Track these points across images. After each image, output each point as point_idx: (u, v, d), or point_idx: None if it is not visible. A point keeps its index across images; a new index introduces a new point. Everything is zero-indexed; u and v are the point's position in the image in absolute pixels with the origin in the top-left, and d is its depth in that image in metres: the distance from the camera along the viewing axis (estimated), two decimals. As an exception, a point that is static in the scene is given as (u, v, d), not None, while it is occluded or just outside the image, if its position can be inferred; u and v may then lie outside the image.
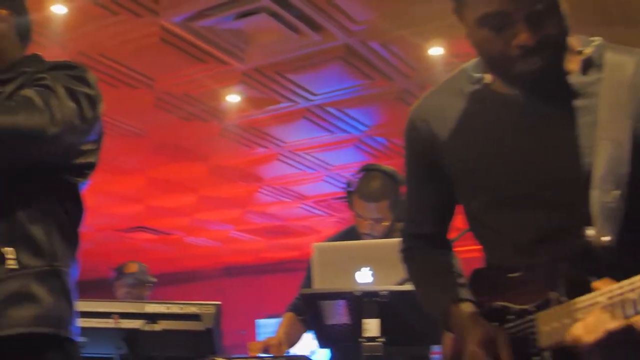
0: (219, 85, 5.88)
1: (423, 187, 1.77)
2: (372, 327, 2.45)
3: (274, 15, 4.80)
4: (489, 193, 1.59)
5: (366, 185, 3.14)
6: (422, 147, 1.75)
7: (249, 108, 6.32)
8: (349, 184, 3.21)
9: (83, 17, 4.85)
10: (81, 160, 1.84)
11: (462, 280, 1.69)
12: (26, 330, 1.65)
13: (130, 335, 2.92)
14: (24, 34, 2.00)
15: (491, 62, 1.54)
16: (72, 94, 1.77)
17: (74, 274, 1.81)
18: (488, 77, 1.62)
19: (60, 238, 1.78)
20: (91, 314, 2.89)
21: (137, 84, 5.84)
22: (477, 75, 1.64)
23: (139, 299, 4.86)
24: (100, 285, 5.00)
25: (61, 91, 1.74)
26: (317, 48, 5.26)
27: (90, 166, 1.88)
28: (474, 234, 1.70)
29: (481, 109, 1.61)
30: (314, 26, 4.96)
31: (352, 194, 3.18)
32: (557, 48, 1.49)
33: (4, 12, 1.89)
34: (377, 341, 2.44)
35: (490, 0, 1.44)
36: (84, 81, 1.83)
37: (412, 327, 2.47)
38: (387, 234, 3.09)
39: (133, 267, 4.96)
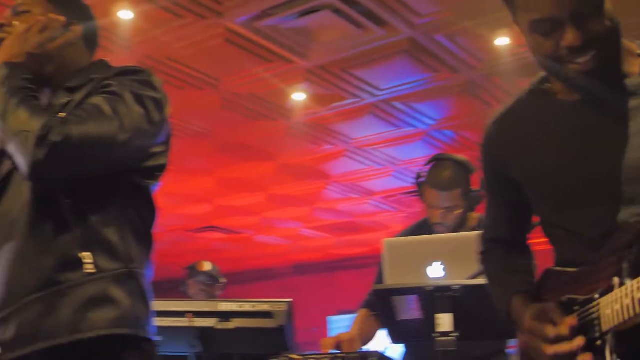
0: (284, 84, 5.90)
1: (498, 196, 1.88)
2: (445, 321, 2.43)
3: (338, 12, 4.79)
4: (557, 196, 1.67)
5: (437, 175, 3.14)
6: (494, 159, 1.83)
7: (314, 105, 6.33)
8: (419, 176, 3.21)
9: (149, 21, 4.93)
10: (151, 163, 1.86)
11: (529, 279, 1.80)
12: (106, 332, 1.67)
13: (204, 334, 2.95)
14: (91, 41, 2.03)
15: (545, 66, 1.61)
16: (139, 99, 1.78)
17: (149, 275, 1.83)
18: (552, 86, 1.68)
19: (135, 240, 1.80)
20: (166, 314, 2.93)
21: (204, 85, 5.90)
22: (542, 85, 1.71)
23: (211, 297, 4.92)
24: (173, 285, 5.07)
25: (128, 97, 1.76)
26: (381, 43, 5.23)
27: (161, 168, 1.90)
28: (546, 234, 1.76)
29: (545, 118, 1.68)
30: (378, 21, 4.93)
31: (423, 185, 3.17)
32: (606, 47, 1.53)
33: (62, 19, 1.93)
34: (451, 336, 2.42)
35: (536, 7, 1.52)
36: (150, 85, 1.85)
37: (486, 321, 2.43)
38: (459, 225, 3.09)
39: (206, 266, 5.02)
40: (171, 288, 5.02)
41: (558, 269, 1.72)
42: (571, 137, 1.62)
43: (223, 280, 5.07)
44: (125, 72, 1.85)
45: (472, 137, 7.01)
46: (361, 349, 2.95)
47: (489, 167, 1.87)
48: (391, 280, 2.72)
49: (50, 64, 1.89)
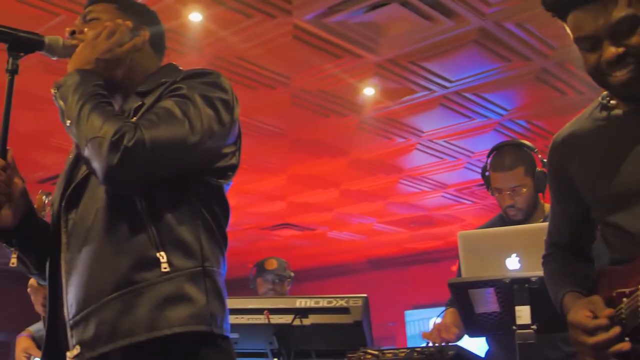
0: (354, 79, 5.90)
1: (561, 204, 2.02)
2: (523, 314, 2.40)
3: (406, 4, 4.77)
4: (611, 197, 1.80)
5: (498, 158, 3.20)
6: (558, 170, 1.95)
7: (385, 99, 6.31)
8: (484, 169, 3.23)
9: (218, 22, 4.98)
10: (223, 163, 1.88)
11: (584, 281, 1.92)
12: (183, 329, 1.70)
13: (281, 331, 2.97)
14: (158, 46, 2.07)
15: (593, 78, 1.74)
16: (209, 101, 1.81)
17: (223, 272, 1.86)
18: (613, 100, 1.82)
19: (208, 238, 1.82)
20: (243, 311, 2.96)
21: (274, 84, 5.94)
22: (605, 99, 1.84)
23: (281, 294, 4.94)
24: (254, 282, 5.12)
25: (198, 99, 1.79)
26: (450, 34, 5.18)
27: (233, 168, 1.92)
28: (601, 235, 1.91)
29: (605, 128, 1.82)
30: (447, 12, 4.89)
31: (489, 175, 3.22)
32: None
33: (129, 24, 1.97)
34: (530, 329, 2.39)
35: (579, 27, 1.70)
36: (219, 86, 1.87)
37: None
38: (531, 206, 3.12)
39: (273, 264, 5.03)
40: (247, 286, 5.07)
41: (610, 267, 1.83)
42: (625, 144, 1.76)
43: (291, 274, 5.07)
44: (194, 75, 1.87)
45: (545, 126, 6.90)
46: (459, 335, 2.92)
47: (554, 176, 1.99)
48: (467, 273, 2.70)
49: (120, 68, 1.93)
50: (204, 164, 1.83)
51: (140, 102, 1.85)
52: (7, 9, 4.63)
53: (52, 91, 1.82)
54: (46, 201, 2.03)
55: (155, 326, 1.68)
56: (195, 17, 4.88)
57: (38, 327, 3.77)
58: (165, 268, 1.71)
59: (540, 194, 3.17)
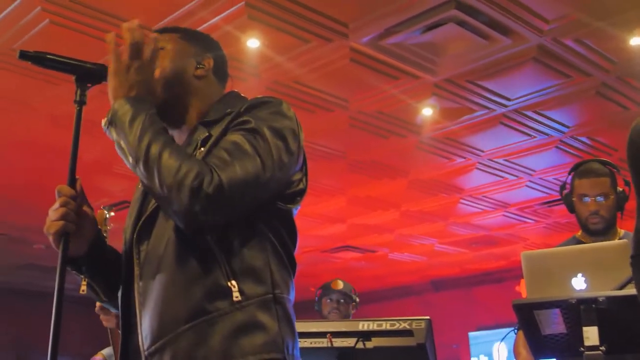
0: (412, 100, 5.89)
1: None
2: (591, 335, 2.35)
3: (462, 24, 4.75)
4: None
5: (585, 167, 3.30)
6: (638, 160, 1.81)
7: (443, 119, 6.28)
8: (563, 186, 3.30)
9: (276, 48, 5.03)
10: (292, 189, 1.88)
11: None
12: (256, 358, 1.70)
13: (344, 354, 2.96)
14: (222, 73, 2.10)
15: None
16: (276, 132, 1.81)
17: (292, 298, 1.87)
18: None
19: (278, 265, 1.82)
20: (306, 335, 2.96)
21: (332, 107, 5.97)
22: None
23: (345, 316, 4.93)
24: (311, 305, 5.12)
25: (266, 132, 1.79)
26: (508, 52, 5.14)
27: (301, 193, 1.92)
28: None
29: None
30: (504, 30, 4.85)
31: (572, 180, 3.31)
32: None
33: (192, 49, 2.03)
34: (598, 350, 2.34)
35: None
36: (284, 115, 1.87)
37: (635, 333, 2.34)
38: (611, 221, 3.18)
39: (339, 284, 5.04)
40: (309, 309, 5.07)
41: None
42: None
43: (357, 298, 5.07)
44: (258, 105, 1.87)
45: (607, 142, 6.78)
46: None
47: (635, 168, 1.83)
48: (532, 293, 2.65)
49: (185, 93, 1.97)
50: (275, 194, 1.84)
51: (207, 134, 1.86)
52: (69, 40, 4.76)
53: (103, 126, 1.81)
54: (107, 217, 2.06)
55: (229, 355, 1.69)
56: (253, 43, 4.94)
57: (109, 352, 3.82)
58: (237, 297, 1.71)
59: (618, 216, 3.24)
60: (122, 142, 1.76)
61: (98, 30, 4.72)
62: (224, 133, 1.82)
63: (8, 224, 8.93)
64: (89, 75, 1.90)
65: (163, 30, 2.08)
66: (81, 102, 1.87)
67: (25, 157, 6.80)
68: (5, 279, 11.74)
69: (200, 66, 2.02)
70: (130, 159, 1.75)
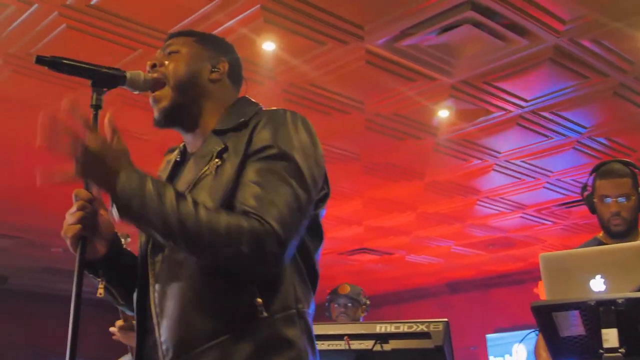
0: (428, 102, 5.88)
1: None
2: (610, 337, 2.34)
3: (478, 25, 4.74)
4: None
5: (606, 168, 3.30)
6: None
7: (460, 121, 6.27)
8: (584, 187, 3.30)
9: (291, 50, 5.04)
10: (318, 195, 1.89)
11: None
12: None
13: (361, 356, 2.95)
14: (236, 78, 2.09)
15: None
16: (305, 152, 1.81)
17: (312, 312, 1.86)
18: None
19: (299, 280, 1.82)
20: (323, 337, 2.96)
21: (348, 109, 5.96)
22: None
23: (354, 320, 4.93)
24: (328, 308, 5.12)
25: (297, 156, 1.79)
26: (525, 53, 5.12)
27: (326, 197, 1.94)
28: None
29: None
30: (520, 31, 4.83)
31: (594, 181, 3.30)
32: None
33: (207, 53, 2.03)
34: (618, 352, 2.32)
35: None
36: (306, 127, 1.87)
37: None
38: (633, 222, 3.17)
39: (346, 288, 5.04)
40: (322, 312, 5.07)
41: None
42: None
43: (366, 301, 5.06)
44: (276, 123, 1.85)
45: (626, 143, 6.74)
46: None
47: None
48: (550, 295, 2.64)
49: (200, 97, 1.97)
50: None
51: (223, 145, 1.85)
52: (86, 45, 4.78)
53: (116, 216, 1.75)
54: (124, 243, 2.05)
55: None
56: (268, 46, 4.95)
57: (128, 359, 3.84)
58: (262, 313, 1.71)
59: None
60: (151, 228, 1.74)
61: (115, 34, 4.75)
62: (244, 158, 1.80)
63: (26, 227, 8.98)
64: (104, 79, 1.90)
65: (178, 34, 2.08)
66: (97, 107, 1.88)
67: (42, 161, 6.83)
68: (23, 282, 11.81)
69: (215, 70, 2.02)
70: (168, 241, 1.73)
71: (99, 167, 1.71)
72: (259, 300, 1.71)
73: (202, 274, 1.75)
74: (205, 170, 1.84)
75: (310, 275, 1.87)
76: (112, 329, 3.46)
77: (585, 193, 3.33)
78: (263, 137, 1.81)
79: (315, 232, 1.89)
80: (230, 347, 1.69)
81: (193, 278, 1.76)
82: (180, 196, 1.69)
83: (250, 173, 1.77)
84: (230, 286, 1.73)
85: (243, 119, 1.89)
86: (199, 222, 1.65)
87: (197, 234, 1.66)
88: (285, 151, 1.78)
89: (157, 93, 1.97)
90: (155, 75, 1.97)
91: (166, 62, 1.99)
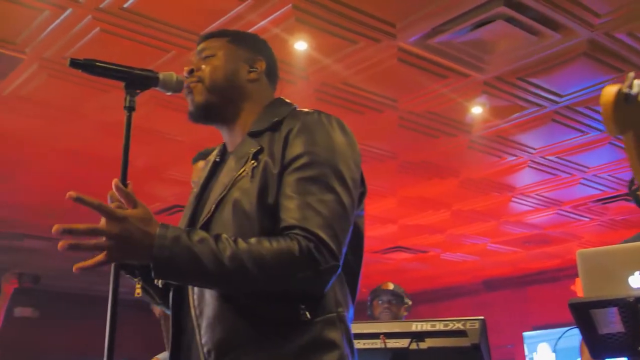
0: (461, 99, 5.85)
1: None
2: (650, 334, 2.31)
3: (511, 20, 4.70)
4: None
5: None
6: None
7: (493, 118, 6.22)
8: (632, 181, 3.25)
9: (323, 49, 5.04)
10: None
11: None
12: None
13: (397, 355, 2.95)
14: (273, 76, 2.10)
15: None
16: (344, 157, 1.82)
17: (352, 317, 1.86)
18: None
19: (339, 284, 1.82)
20: (359, 336, 2.95)
21: (381, 107, 5.95)
22: None
23: (396, 317, 4.92)
24: (363, 307, 5.11)
25: (336, 160, 1.80)
26: (559, 48, 5.07)
27: (362, 196, 1.95)
28: None
29: None
30: (554, 26, 4.79)
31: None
32: None
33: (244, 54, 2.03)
34: (658, 350, 2.29)
35: None
36: (341, 128, 1.88)
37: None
38: None
39: (389, 285, 5.04)
40: (361, 310, 5.06)
41: None
42: None
43: (408, 301, 5.05)
44: (311, 127, 1.85)
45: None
46: None
47: None
48: (588, 292, 2.61)
49: (239, 97, 1.98)
50: None
51: (259, 147, 1.86)
52: (119, 47, 4.83)
53: (159, 284, 1.81)
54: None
55: None
56: (300, 45, 4.96)
57: (165, 357, 3.87)
58: (305, 316, 1.71)
59: None
60: (206, 284, 1.74)
61: (148, 37, 4.78)
62: (282, 167, 1.81)
63: (63, 229, 9.07)
64: (137, 81, 1.91)
65: (210, 36, 2.08)
66: (130, 108, 1.89)
67: (75, 165, 6.91)
68: (59, 283, 11.93)
69: (253, 69, 2.02)
70: (214, 286, 1.74)
71: (128, 246, 1.64)
72: (298, 303, 1.71)
73: None
74: (242, 172, 1.84)
75: (350, 280, 1.88)
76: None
77: (633, 187, 3.26)
78: (299, 144, 1.81)
79: (355, 235, 1.89)
80: (273, 349, 1.69)
81: None
82: (218, 239, 1.67)
83: (291, 185, 1.77)
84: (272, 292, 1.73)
85: (277, 119, 1.90)
86: (247, 266, 1.65)
87: (251, 277, 1.66)
88: (323, 157, 1.79)
89: (192, 85, 1.99)
90: (193, 79, 1.99)
91: (203, 67, 2.00)
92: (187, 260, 1.63)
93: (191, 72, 2.00)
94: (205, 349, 1.75)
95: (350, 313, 1.85)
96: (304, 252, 1.65)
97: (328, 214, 1.71)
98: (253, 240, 1.67)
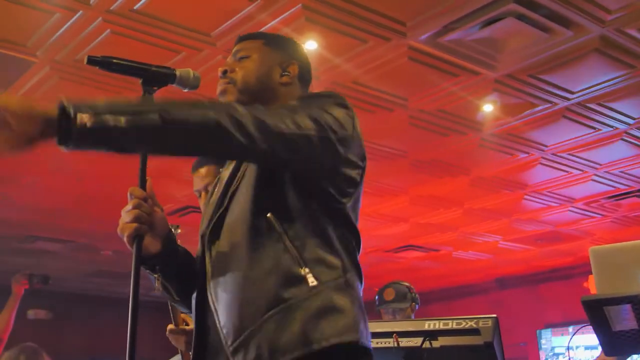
0: (472, 97, 5.84)
1: None
2: (664, 331, 2.30)
3: (521, 17, 4.69)
4: None
5: None
6: None
7: (505, 115, 6.21)
8: None
9: (333, 49, 5.04)
10: (347, 174, 1.91)
11: None
12: (338, 340, 1.74)
13: (410, 353, 2.95)
14: (305, 79, 2.14)
15: None
16: (325, 108, 1.86)
17: (361, 287, 1.90)
18: None
19: (345, 252, 1.87)
20: (372, 335, 2.95)
21: (392, 106, 5.95)
22: None
23: (407, 317, 4.89)
24: (372, 306, 5.10)
25: (314, 105, 1.86)
26: (570, 44, 5.05)
27: (355, 184, 1.94)
28: None
29: None
30: (565, 22, 4.77)
31: None
32: None
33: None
34: (672, 346, 2.29)
35: None
36: (338, 100, 1.93)
37: None
38: None
39: (390, 294, 4.98)
40: (373, 310, 5.06)
41: None
42: None
43: (414, 296, 4.99)
44: (312, 95, 1.97)
45: None
46: None
47: None
48: (601, 289, 2.61)
49: (272, 99, 2.01)
50: (324, 164, 1.87)
51: None
52: (130, 49, 4.84)
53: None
54: (175, 234, 2.09)
55: (311, 339, 1.72)
56: (310, 45, 4.96)
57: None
58: (312, 282, 1.75)
59: None
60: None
61: (158, 38, 4.80)
62: None
63: (76, 231, 9.12)
64: (155, 78, 1.93)
65: (246, 37, 2.12)
66: None
67: (90, 165, 6.93)
68: (75, 285, 11.99)
69: (286, 73, 2.05)
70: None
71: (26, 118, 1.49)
72: (307, 269, 1.76)
73: (251, 255, 1.80)
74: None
75: (355, 252, 1.92)
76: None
77: None
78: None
79: (349, 225, 1.93)
80: (285, 317, 1.73)
81: (243, 261, 1.81)
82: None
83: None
84: (279, 261, 1.78)
85: None
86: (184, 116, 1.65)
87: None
88: (307, 104, 1.87)
89: (226, 86, 2.02)
90: (226, 80, 2.03)
91: (237, 68, 2.02)
92: (109, 106, 1.55)
93: (225, 73, 2.02)
94: (224, 331, 1.80)
95: (360, 280, 1.89)
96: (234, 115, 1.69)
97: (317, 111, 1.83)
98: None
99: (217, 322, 1.82)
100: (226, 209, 1.91)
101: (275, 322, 1.73)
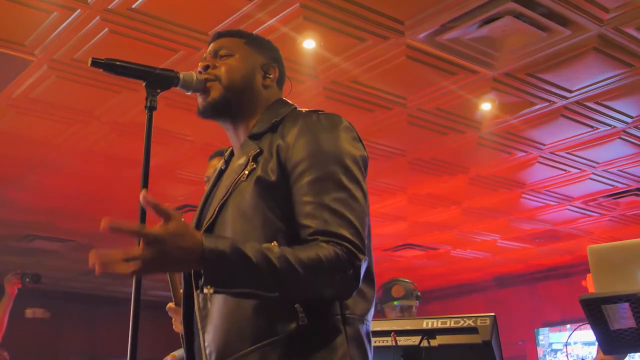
0: (470, 95, 5.84)
1: None
2: (662, 329, 2.30)
3: (519, 16, 4.69)
4: None
5: None
6: None
7: (503, 114, 6.21)
8: None
9: (332, 48, 5.04)
10: None
11: None
12: None
13: (408, 352, 2.94)
14: (282, 81, 2.12)
15: None
16: (349, 155, 1.81)
17: (369, 318, 1.85)
18: None
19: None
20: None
21: (390, 105, 5.95)
22: None
23: (411, 315, 4.89)
24: (382, 311, 5.09)
25: (342, 157, 1.79)
26: (568, 43, 5.05)
27: None
28: None
29: None
30: (563, 21, 4.77)
31: None
32: None
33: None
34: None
35: None
36: (342, 124, 1.87)
37: None
38: None
39: (400, 292, 4.96)
40: (375, 308, 5.03)
41: None
42: None
43: (417, 293, 4.98)
44: (311, 129, 1.84)
45: None
46: None
47: None
48: (600, 288, 2.61)
49: (252, 99, 1.99)
50: None
51: (258, 149, 1.86)
52: (128, 48, 4.84)
53: (208, 291, 1.57)
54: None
55: None
56: (309, 44, 4.96)
57: (181, 354, 3.88)
58: (302, 319, 1.69)
59: None
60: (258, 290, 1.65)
61: (156, 37, 4.80)
62: (281, 168, 1.80)
63: (75, 231, 9.11)
64: (158, 80, 1.92)
65: (226, 34, 2.09)
66: (151, 108, 1.89)
67: (88, 165, 6.93)
68: (74, 284, 11.98)
69: (268, 76, 2.03)
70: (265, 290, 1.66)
71: (164, 265, 1.53)
72: (299, 306, 1.69)
73: None
74: (242, 175, 1.83)
75: (366, 282, 1.83)
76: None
77: None
78: (301, 148, 1.80)
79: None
80: (270, 352, 1.68)
81: None
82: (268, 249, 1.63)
83: (302, 189, 1.76)
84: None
85: (276, 120, 1.91)
86: (295, 268, 1.61)
87: (301, 279, 1.62)
88: (327, 156, 1.78)
89: (208, 84, 1.98)
90: (208, 77, 1.99)
91: (219, 65, 2.01)
92: (238, 262, 1.56)
93: (206, 68, 2.00)
94: (207, 351, 1.76)
95: (366, 316, 1.83)
96: (339, 255, 1.65)
97: (346, 212, 1.70)
98: (286, 247, 1.65)
99: (201, 338, 1.78)
100: (215, 219, 1.83)
101: (259, 355, 1.68)
